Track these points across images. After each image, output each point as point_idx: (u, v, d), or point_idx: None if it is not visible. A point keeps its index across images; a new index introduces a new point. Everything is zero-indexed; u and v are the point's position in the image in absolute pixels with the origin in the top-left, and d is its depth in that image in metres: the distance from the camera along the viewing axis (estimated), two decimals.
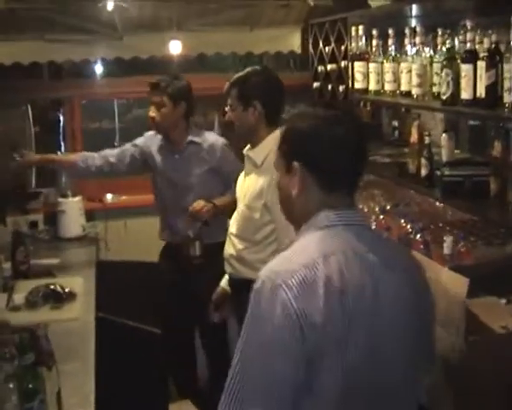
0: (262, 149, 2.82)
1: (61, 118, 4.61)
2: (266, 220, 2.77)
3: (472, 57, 2.70)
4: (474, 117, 2.98)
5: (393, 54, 3.37)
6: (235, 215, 2.98)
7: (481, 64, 2.63)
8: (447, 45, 2.86)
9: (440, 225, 3.03)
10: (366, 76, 3.53)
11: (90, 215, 4.06)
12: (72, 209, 3.89)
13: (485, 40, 2.65)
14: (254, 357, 1.47)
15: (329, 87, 4.09)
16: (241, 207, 2.93)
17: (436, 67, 3.06)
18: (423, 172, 3.03)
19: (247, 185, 2.91)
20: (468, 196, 2.76)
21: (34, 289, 3.02)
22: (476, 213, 2.70)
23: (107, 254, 3.84)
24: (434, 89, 3.08)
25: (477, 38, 2.77)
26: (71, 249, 3.80)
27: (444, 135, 3.03)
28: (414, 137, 3.16)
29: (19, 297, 3.01)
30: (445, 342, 1.83)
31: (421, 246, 2.68)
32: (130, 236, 4.28)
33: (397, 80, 3.34)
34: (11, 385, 2.05)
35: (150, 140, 3.66)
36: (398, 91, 3.33)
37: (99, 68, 5.42)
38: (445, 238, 2.50)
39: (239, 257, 2.89)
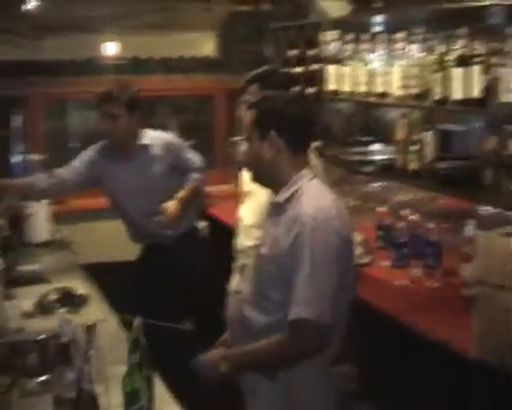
0: None
1: (17, 118, 4.38)
2: None
3: (464, 62, 3.02)
4: (468, 115, 3.32)
5: (367, 58, 3.64)
6: (250, 208, 3.03)
7: (476, 68, 2.95)
8: (442, 50, 3.15)
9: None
10: (340, 78, 3.76)
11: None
12: (41, 213, 3.75)
13: (479, 47, 2.97)
14: (322, 272, 2.02)
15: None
16: (258, 198, 2.94)
17: (414, 70, 3.37)
18: (412, 166, 3.31)
19: None
20: (463, 186, 3.07)
21: (45, 294, 2.93)
22: (475, 200, 3.03)
23: (77, 258, 3.73)
24: (413, 90, 3.38)
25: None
26: (45, 255, 3.67)
27: (428, 133, 3.33)
28: (401, 135, 3.43)
29: (26, 304, 2.90)
30: None
31: (435, 233, 2.97)
32: (94, 238, 4.19)
33: (371, 83, 3.61)
34: None
35: (98, 154, 3.55)
36: (372, 93, 3.60)
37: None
38: (466, 222, 2.79)
39: None
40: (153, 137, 3.55)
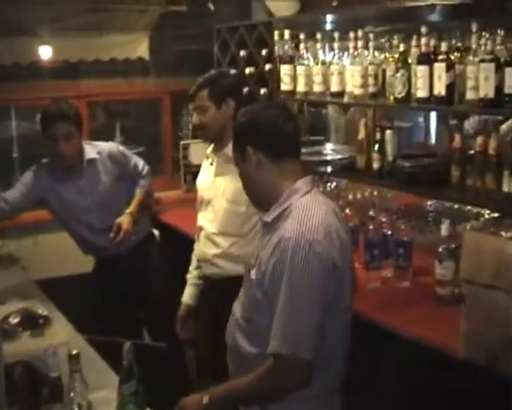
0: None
1: None
2: (252, 211, 2.74)
3: (428, 59, 3.01)
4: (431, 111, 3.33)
5: (321, 57, 3.60)
6: (212, 216, 2.94)
7: (440, 65, 2.95)
8: (401, 48, 3.14)
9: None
10: (293, 78, 3.70)
11: None
12: None
13: (443, 44, 2.97)
14: (301, 303, 1.85)
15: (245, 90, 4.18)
16: (219, 205, 2.92)
17: (371, 68, 3.35)
18: (375, 165, 3.29)
19: (225, 184, 2.90)
20: (429, 184, 3.07)
21: (5, 317, 2.74)
22: (442, 197, 3.03)
23: (29, 274, 3.52)
24: (370, 89, 3.36)
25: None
26: None
27: (388, 131, 3.32)
28: (361, 134, 3.40)
29: None
30: None
31: (407, 233, 2.96)
32: (44, 252, 3.98)
33: (325, 82, 3.57)
34: None
35: (43, 175, 3.35)
36: (327, 92, 3.57)
37: None
38: (442, 220, 2.78)
39: (226, 254, 2.90)
40: (98, 151, 3.40)
